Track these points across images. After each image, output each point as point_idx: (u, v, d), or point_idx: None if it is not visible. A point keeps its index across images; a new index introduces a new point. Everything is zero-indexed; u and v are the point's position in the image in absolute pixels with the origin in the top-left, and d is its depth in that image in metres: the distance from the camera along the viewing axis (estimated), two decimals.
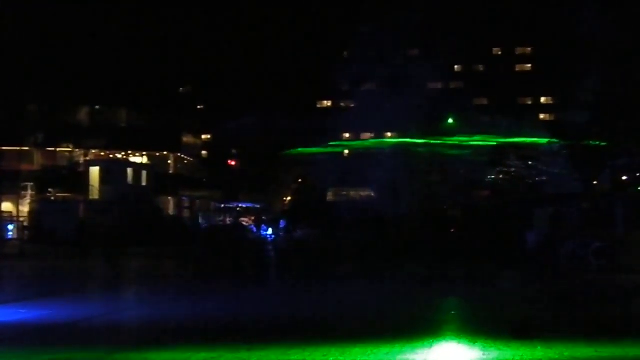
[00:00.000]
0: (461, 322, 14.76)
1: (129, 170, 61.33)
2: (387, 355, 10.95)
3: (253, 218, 71.73)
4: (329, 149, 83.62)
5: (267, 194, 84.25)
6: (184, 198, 72.35)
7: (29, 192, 58.67)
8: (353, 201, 75.98)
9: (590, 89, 54.78)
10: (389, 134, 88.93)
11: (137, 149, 70.38)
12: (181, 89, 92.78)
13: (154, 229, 50.65)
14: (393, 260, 33.59)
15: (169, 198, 69.86)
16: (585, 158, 52.27)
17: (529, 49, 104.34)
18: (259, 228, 63.48)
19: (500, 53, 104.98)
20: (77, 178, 60.34)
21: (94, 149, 66.61)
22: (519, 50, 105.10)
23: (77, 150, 65.74)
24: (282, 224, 56.34)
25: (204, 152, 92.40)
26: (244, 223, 72.30)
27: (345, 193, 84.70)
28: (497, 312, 15.93)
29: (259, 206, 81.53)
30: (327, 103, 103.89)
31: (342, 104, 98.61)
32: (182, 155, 77.64)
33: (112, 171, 60.10)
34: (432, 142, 75.84)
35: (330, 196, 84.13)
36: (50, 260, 36.47)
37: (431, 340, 11.96)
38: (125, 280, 26.44)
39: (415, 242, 43.33)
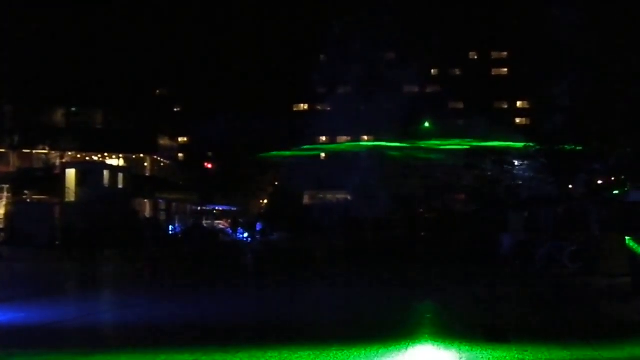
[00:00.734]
0: (437, 325, 14.81)
1: (105, 173, 61.07)
2: (363, 358, 10.99)
3: (229, 221, 71.65)
4: (305, 152, 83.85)
5: (243, 196, 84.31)
6: (160, 200, 72.16)
7: (5, 194, 58.30)
8: (329, 204, 76.20)
9: (566, 93, 55.12)
10: (365, 137, 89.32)
11: (114, 151, 70.29)
12: (157, 91, 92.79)
13: (130, 232, 50.66)
14: (369, 263, 33.68)
15: (146, 200, 69.64)
16: (560, 162, 52.54)
17: (505, 53, 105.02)
18: (235, 231, 63.48)
19: (476, 57, 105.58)
20: (53, 180, 60.01)
21: (70, 151, 66.40)
22: (495, 55, 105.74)
23: (53, 152, 65.48)
24: (259, 226, 56.35)
25: (180, 155, 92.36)
26: (221, 226, 72.28)
27: (321, 196, 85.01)
28: (472, 316, 15.99)
29: (235, 209, 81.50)
30: (304, 106, 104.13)
31: (318, 107, 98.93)
32: (159, 158, 77.59)
33: (89, 173, 59.76)
34: (408, 145, 76.21)
35: (306, 199, 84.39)
36: (26, 262, 36.27)
37: (406, 344, 11.99)
38: (101, 282, 26.36)
39: (391, 245, 43.52)
